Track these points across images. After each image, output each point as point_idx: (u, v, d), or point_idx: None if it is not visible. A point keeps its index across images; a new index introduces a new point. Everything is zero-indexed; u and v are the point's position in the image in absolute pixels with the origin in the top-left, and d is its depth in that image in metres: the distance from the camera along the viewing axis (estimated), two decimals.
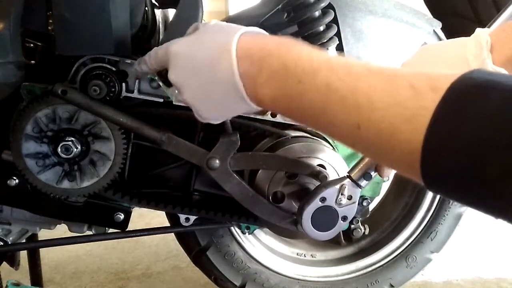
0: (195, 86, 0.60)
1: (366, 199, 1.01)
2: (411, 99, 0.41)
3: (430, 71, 0.43)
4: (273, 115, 0.92)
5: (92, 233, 1.01)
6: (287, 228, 0.87)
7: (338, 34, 0.93)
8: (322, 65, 0.49)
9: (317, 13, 0.88)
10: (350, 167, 0.79)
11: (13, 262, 1.06)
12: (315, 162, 0.87)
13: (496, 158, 0.34)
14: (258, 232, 1.16)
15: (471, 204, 0.39)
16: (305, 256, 1.22)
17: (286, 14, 0.92)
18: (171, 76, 0.63)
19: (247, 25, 0.96)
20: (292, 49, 0.53)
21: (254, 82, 0.54)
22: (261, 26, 0.96)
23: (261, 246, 1.16)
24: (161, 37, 1.09)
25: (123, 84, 0.84)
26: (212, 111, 0.62)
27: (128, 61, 0.84)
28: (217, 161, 0.82)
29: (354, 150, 0.50)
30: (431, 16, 1.12)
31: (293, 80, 0.51)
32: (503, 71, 0.56)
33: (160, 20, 1.08)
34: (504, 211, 0.37)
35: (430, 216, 1.17)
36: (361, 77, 0.46)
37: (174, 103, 0.87)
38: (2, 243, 0.96)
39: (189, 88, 0.61)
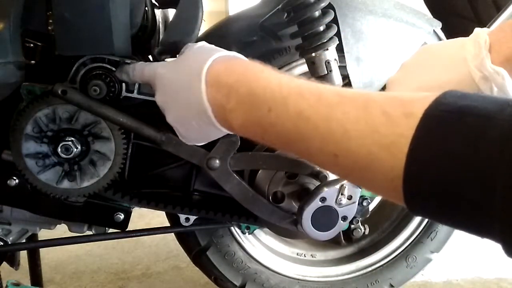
0: (175, 110, 0.63)
1: (366, 199, 1.01)
2: (386, 126, 0.41)
3: (402, 94, 0.43)
4: None
5: (92, 233, 1.01)
6: (287, 228, 0.87)
7: (338, 34, 0.93)
8: (292, 92, 0.48)
9: (317, 13, 0.87)
10: None
11: (13, 262, 1.06)
12: None
13: (472, 183, 0.35)
14: (258, 232, 1.16)
15: (453, 226, 0.40)
16: (305, 256, 1.22)
17: (286, 14, 0.92)
18: (157, 97, 0.66)
19: (247, 25, 0.97)
20: (260, 75, 0.53)
21: (222, 108, 0.55)
22: (261, 26, 0.97)
23: (261, 246, 1.16)
24: (161, 37, 1.09)
25: (123, 84, 0.84)
26: (191, 134, 0.64)
27: (128, 61, 0.84)
28: (217, 161, 0.82)
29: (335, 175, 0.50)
30: (431, 16, 1.12)
31: (262, 108, 0.50)
32: (502, 70, 0.57)
33: (160, 20, 1.08)
34: (479, 231, 0.38)
35: None
36: (334, 105, 0.45)
37: None
38: (2, 243, 0.95)
39: (171, 111, 0.64)
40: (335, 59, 0.90)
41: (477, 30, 0.61)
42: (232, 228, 1.08)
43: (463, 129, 0.36)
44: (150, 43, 1.02)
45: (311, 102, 0.46)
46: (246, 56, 0.97)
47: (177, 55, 0.71)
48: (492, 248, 1.67)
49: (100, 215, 0.95)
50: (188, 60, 0.63)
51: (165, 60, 0.88)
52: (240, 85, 0.53)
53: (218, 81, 0.56)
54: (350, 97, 0.45)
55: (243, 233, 1.06)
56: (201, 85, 0.56)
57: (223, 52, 0.61)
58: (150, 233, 1.04)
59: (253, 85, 0.52)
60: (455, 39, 0.65)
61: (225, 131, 0.59)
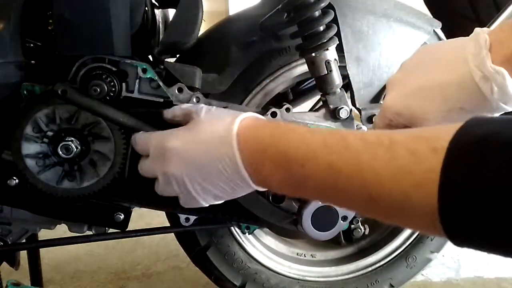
0: (198, 179, 0.63)
1: None
2: (414, 164, 0.42)
3: (425, 130, 0.45)
4: (273, 115, 0.92)
5: (92, 233, 1.01)
6: (287, 228, 0.87)
7: (338, 34, 0.93)
8: (318, 146, 0.50)
9: (317, 13, 0.88)
10: None
11: (13, 262, 1.06)
12: None
13: (509, 206, 0.35)
14: (258, 232, 1.16)
15: (504, 254, 0.41)
16: (305, 256, 1.22)
17: (286, 14, 0.92)
18: (170, 170, 0.65)
19: (247, 25, 0.97)
20: (287, 137, 0.55)
21: (259, 172, 0.57)
22: (261, 26, 0.97)
23: (261, 246, 1.16)
24: (161, 37, 1.09)
25: (123, 84, 0.84)
26: (218, 198, 0.67)
27: (128, 61, 0.84)
28: None
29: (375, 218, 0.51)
30: (431, 16, 1.12)
31: (296, 166, 0.52)
32: (502, 70, 0.56)
33: (160, 20, 1.08)
34: None
35: None
36: (361, 152, 0.46)
37: (174, 103, 0.87)
38: (2, 243, 0.95)
39: (192, 181, 0.64)
40: (335, 59, 0.91)
41: (477, 30, 0.61)
42: (232, 228, 1.08)
43: (491, 156, 0.37)
44: (150, 43, 1.02)
45: (339, 153, 0.48)
46: (246, 56, 0.98)
47: (186, 120, 0.71)
48: None
49: (100, 215, 0.95)
50: (206, 128, 0.64)
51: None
52: (272, 150, 0.55)
53: (251, 148, 0.58)
54: (375, 141, 0.46)
55: (243, 233, 1.06)
56: (235, 153, 0.58)
57: (243, 115, 0.62)
58: (150, 233, 1.04)
59: (284, 148, 0.54)
60: (455, 39, 0.65)
61: (260, 189, 0.61)
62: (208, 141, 0.61)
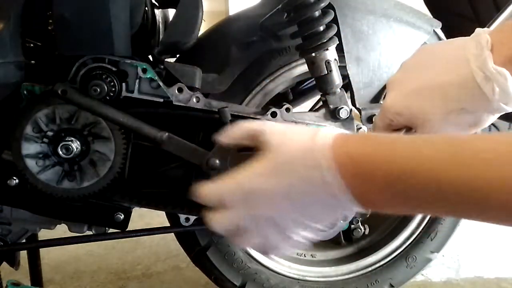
0: (293, 219, 0.53)
1: None
2: None
3: None
4: (273, 115, 0.92)
5: (92, 233, 1.01)
6: None
7: (338, 34, 0.93)
8: (444, 158, 0.44)
9: (317, 13, 0.88)
10: None
11: (13, 262, 1.06)
12: None
13: None
14: None
15: None
16: (305, 256, 1.22)
17: (286, 14, 0.92)
18: (258, 214, 0.54)
19: (247, 25, 0.96)
20: (395, 151, 0.47)
21: (367, 195, 0.50)
22: (261, 26, 0.97)
23: None
24: (161, 37, 1.09)
25: (123, 84, 0.84)
26: (308, 237, 0.56)
27: (128, 61, 0.84)
28: (217, 161, 0.82)
29: None
30: (431, 16, 1.12)
31: (419, 187, 0.45)
32: (504, 71, 0.56)
33: (160, 20, 1.08)
34: None
35: (430, 216, 1.17)
36: (492, 162, 0.42)
37: (174, 103, 0.87)
38: (2, 243, 0.96)
39: (286, 223, 0.54)
40: (335, 59, 0.91)
41: (478, 30, 0.61)
42: None
43: None
44: (150, 43, 1.02)
45: (470, 164, 0.43)
46: (246, 56, 0.98)
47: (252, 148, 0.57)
48: (492, 248, 1.68)
49: (100, 215, 0.95)
50: (287, 156, 0.52)
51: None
52: (381, 170, 0.48)
53: (354, 166, 0.49)
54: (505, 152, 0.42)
55: None
56: (335, 179, 0.49)
57: (320, 131, 0.52)
58: (150, 233, 1.04)
59: (398, 165, 0.47)
60: (456, 39, 0.65)
61: (362, 210, 0.53)
62: (298, 171, 0.51)
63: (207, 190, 0.59)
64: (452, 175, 0.43)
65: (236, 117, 0.89)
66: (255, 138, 0.58)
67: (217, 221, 0.58)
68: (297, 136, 0.53)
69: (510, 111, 0.60)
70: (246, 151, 0.87)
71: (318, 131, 0.53)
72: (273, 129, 0.56)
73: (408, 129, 0.69)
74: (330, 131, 0.54)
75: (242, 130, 0.61)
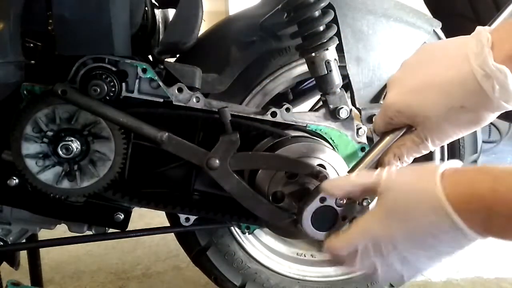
0: (418, 252, 0.57)
1: (366, 198, 1.01)
2: None
3: None
4: (273, 115, 0.92)
5: (92, 233, 1.01)
6: (287, 228, 0.87)
7: (338, 34, 0.93)
8: None
9: (317, 13, 0.88)
10: (350, 167, 0.79)
11: (13, 262, 1.06)
12: (315, 162, 0.87)
13: None
14: (258, 232, 1.16)
15: None
16: (305, 256, 1.22)
17: (286, 14, 0.92)
18: (391, 262, 0.59)
19: (247, 25, 0.95)
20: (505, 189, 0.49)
21: (486, 229, 0.52)
22: (261, 26, 0.97)
23: (261, 246, 1.16)
24: (161, 37, 1.09)
25: (123, 84, 0.84)
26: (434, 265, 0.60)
27: (128, 61, 0.84)
28: (217, 161, 0.82)
29: None
30: (431, 16, 1.12)
31: None
32: (504, 68, 0.56)
33: (160, 20, 1.08)
34: None
35: None
36: None
37: (174, 103, 0.87)
38: (2, 243, 0.96)
39: (411, 255, 0.58)
40: (335, 59, 0.91)
41: (479, 28, 0.61)
42: (232, 228, 1.08)
43: None
44: (150, 43, 1.02)
45: None
46: (246, 56, 0.98)
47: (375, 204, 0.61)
48: (492, 248, 1.67)
49: (100, 215, 0.95)
50: (406, 199, 0.56)
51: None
52: (499, 206, 0.49)
53: (468, 207, 0.51)
54: None
55: (243, 233, 1.06)
56: (452, 220, 0.52)
57: (437, 171, 0.54)
58: (150, 233, 1.04)
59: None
60: (456, 37, 0.65)
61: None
62: (413, 215, 0.55)
63: (334, 244, 0.63)
64: None
65: (236, 117, 0.89)
66: (372, 191, 0.62)
67: (353, 264, 0.62)
68: (414, 181, 0.56)
69: (510, 109, 0.60)
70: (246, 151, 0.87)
71: (435, 172, 0.54)
72: (387, 181, 0.59)
73: (409, 127, 0.69)
74: (445, 169, 0.55)
75: (353, 184, 0.65)
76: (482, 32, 0.59)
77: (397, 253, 0.58)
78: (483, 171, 0.53)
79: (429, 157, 1.13)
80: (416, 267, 0.59)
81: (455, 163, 0.57)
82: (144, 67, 0.84)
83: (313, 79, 0.95)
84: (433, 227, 0.54)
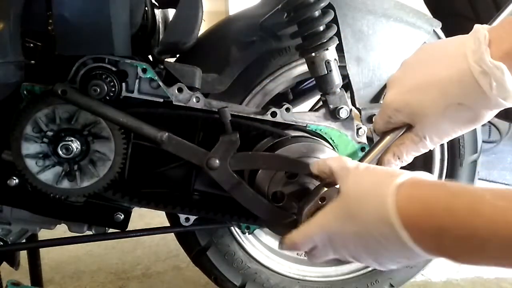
0: (367, 260, 0.59)
1: None
2: None
3: None
4: (273, 115, 0.92)
5: (92, 233, 1.01)
6: (287, 228, 0.87)
7: (338, 34, 0.93)
8: None
9: (317, 13, 0.88)
10: None
11: (13, 262, 1.06)
12: None
13: None
14: (258, 232, 1.16)
15: None
16: (305, 256, 1.22)
17: (286, 14, 0.92)
18: (340, 254, 0.61)
19: (247, 25, 0.95)
20: (469, 208, 0.47)
21: (436, 248, 0.51)
22: (261, 26, 0.97)
23: (261, 246, 1.16)
24: (161, 37, 1.09)
25: (123, 84, 0.84)
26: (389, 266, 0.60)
27: (128, 61, 0.84)
28: (217, 161, 0.82)
29: None
30: (431, 16, 1.12)
31: (499, 245, 0.45)
32: (501, 65, 0.56)
33: (160, 20, 1.08)
34: None
35: None
36: None
37: (174, 103, 0.87)
38: (2, 243, 0.96)
39: (362, 258, 0.59)
40: (335, 59, 0.91)
41: (477, 26, 0.61)
42: (232, 228, 1.08)
43: None
44: (150, 43, 1.02)
45: None
46: (246, 56, 0.98)
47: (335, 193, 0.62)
48: None
49: (100, 215, 0.95)
50: (358, 209, 0.56)
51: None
52: (451, 227, 0.48)
53: (419, 225, 0.50)
54: None
55: (243, 233, 1.06)
56: (400, 235, 0.51)
57: (395, 181, 0.54)
58: (150, 233, 1.04)
59: (472, 225, 0.46)
60: (456, 36, 0.65)
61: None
62: (366, 224, 0.55)
63: (296, 236, 0.65)
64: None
65: (236, 117, 0.89)
66: (334, 179, 0.65)
67: (313, 257, 0.66)
68: (374, 187, 0.56)
69: (508, 106, 0.60)
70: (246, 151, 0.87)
71: (394, 179, 0.54)
72: (351, 178, 0.60)
73: (409, 126, 0.69)
74: (406, 179, 0.55)
75: (325, 167, 0.67)
76: (480, 30, 0.59)
77: (348, 253, 0.59)
78: (441, 187, 0.52)
79: (429, 156, 1.13)
80: (359, 261, 0.60)
81: (423, 174, 0.56)
82: (144, 67, 0.84)
83: (313, 79, 0.95)
84: (382, 238, 0.54)
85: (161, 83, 0.85)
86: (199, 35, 0.97)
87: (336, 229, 0.59)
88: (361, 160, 0.76)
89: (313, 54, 0.89)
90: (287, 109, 0.92)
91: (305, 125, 0.94)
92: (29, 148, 0.83)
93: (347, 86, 0.98)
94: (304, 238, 0.64)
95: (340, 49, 0.94)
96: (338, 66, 0.92)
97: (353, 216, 0.57)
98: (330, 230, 0.60)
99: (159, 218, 1.65)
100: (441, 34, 1.04)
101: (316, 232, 0.62)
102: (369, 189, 0.56)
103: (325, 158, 0.69)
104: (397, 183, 0.53)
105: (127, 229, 0.97)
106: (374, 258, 0.58)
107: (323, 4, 0.88)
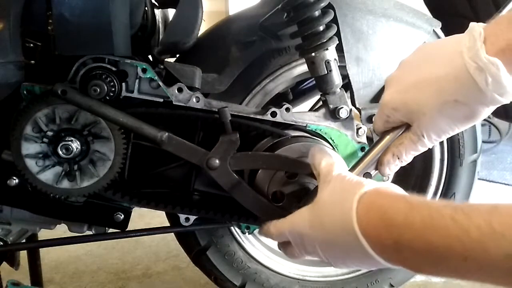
0: (333, 259, 0.61)
1: None
2: None
3: None
4: (273, 115, 0.92)
5: (92, 233, 1.01)
6: None
7: (338, 34, 0.93)
8: (485, 232, 0.43)
9: (316, 13, 0.88)
10: (350, 167, 0.79)
11: (13, 262, 1.06)
12: None
13: None
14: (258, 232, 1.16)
15: None
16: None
17: (286, 14, 0.92)
18: (311, 254, 0.64)
19: (247, 25, 0.95)
20: (429, 221, 0.47)
21: (396, 259, 0.52)
22: (261, 26, 0.97)
23: (261, 246, 1.16)
24: (161, 37, 1.09)
25: (123, 84, 0.84)
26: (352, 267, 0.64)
27: (128, 61, 0.84)
28: (217, 161, 0.82)
29: None
30: (431, 16, 1.12)
31: (455, 260, 0.45)
32: (496, 61, 0.56)
33: (160, 20, 1.09)
34: None
35: None
36: None
37: (174, 103, 0.87)
38: (2, 243, 0.96)
39: (332, 259, 0.62)
40: (335, 59, 0.91)
41: (472, 24, 0.61)
42: (232, 228, 1.08)
43: None
44: (150, 43, 1.03)
45: None
46: (246, 56, 0.98)
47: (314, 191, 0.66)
48: None
49: (100, 215, 0.95)
50: (326, 212, 0.59)
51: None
52: (409, 239, 0.48)
53: (379, 235, 0.52)
54: None
55: (243, 233, 1.06)
56: (361, 243, 0.53)
57: (358, 191, 0.56)
58: (150, 233, 1.04)
59: (429, 238, 0.47)
60: (453, 35, 0.65)
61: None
62: (332, 231, 0.58)
63: (271, 227, 0.71)
64: (495, 252, 0.42)
65: (236, 117, 0.89)
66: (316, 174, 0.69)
67: (289, 254, 0.70)
68: (343, 194, 0.58)
69: (504, 102, 0.60)
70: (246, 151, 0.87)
71: (360, 189, 0.57)
72: (327, 185, 0.63)
73: (408, 126, 0.69)
74: (371, 189, 0.57)
75: (315, 170, 0.71)
76: (475, 27, 0.60)
77: (319, 256, 0.62)
78: (402, 199, 0.53)
79: (429, 156, 1.13)
80: (333, 264, 0.62)
81: (390, 185, 0.58)
82: (144, 67, 0.84)
83: (313, 79, 0.95)
84: (346, 246, 0.56)
85: (161, 83, 0.86)
86: (199, 35, 0.97)
87: (306, 232, 0.62)
88: (360, 159, 0.76)
89: (313, 54, 0.89)
90: (287, 109, 0.92)
91: (305, 125, 0.94)
92: (29, 148, 0.83)
93: (347, 86, 0.98)
94: (277, 231, 0.69)
95: (340, 49, 0.94)
96: (338, 66, 0.92)
97: (322, 223, 0.60)
98: (301, 232, 0.63)
99: (159, 218, 1.65)
100: (441, 34, 1.04)
101: (287, 229, 0.66)
102: (338, 198, 0.59)
103: (321, 158, 0.71)
104: (361, 192, 0.56)
105: (127, 229, 0.97)
106: (343, 262, 0.60)
107: (323, 4, 0.88)
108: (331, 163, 0.68)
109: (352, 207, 0.55)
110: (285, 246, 0.70)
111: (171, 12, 1.10)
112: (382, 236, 0.51)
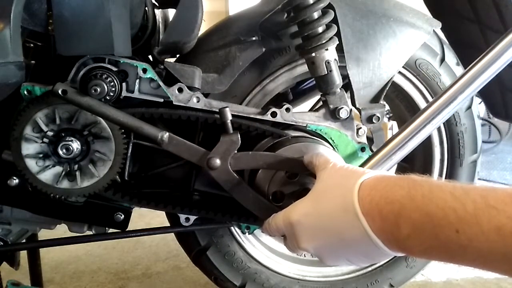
0: (333, 250, 0.60)
1: None
2: None
3: None
4: (273, 115, 0.92)
5: (92, 233, 1.01)
6: None
7: (338, 34, 0.93)
8: (479, 206, 0.44)
9: (316, 14, 0.88)
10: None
11: (13, 262, 1.06)
12: None
13: None
14: (258, 232, 1.16)
15: None
16: (305, 256, 1.22)
17: (286, 14, 0.92)
18: (302, 246, 0.63)
19: (247, 25, 0.96)
20: (427, 194, 0.49)
21: (393, 236, 0.52)
22: (261, 26, 0.97)
23: (261, 246, 1.16)
24: (161, 37, 1.09)
25: (124, 84, 0.84)
26: (344, 264, 0.63)
27: (128, 61, 0.84)
28: (217, 161, 0.82)
29: None
30: (431, 16, 1.12)
31: (448, 231, 0.46)
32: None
33: (160, 20, 1.08)
34: None
35: None
36: None
37: (174, 103, 0.87)
38: (2, 243, 0.96)
39: (328, 253, 0.61)
40: (335, 59, 0.91)
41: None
42: (232, 228, 1.08)
43: None
44: (150, 43, 1.02)
45: (508, 213, 0.42)
46: (246, 56, 0.98)
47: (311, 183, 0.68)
48: None
49: (100, 215, 0.95)
50: (327, 196, 0.60)
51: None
52: (409, 211, 0.49)
53: (380, 211, 0.52)
54: None
55: (243, 233, 1.06)
56: (359, 220, 0.54)
57: (367, 174, 0.57)
58: (150, 233, 1.04)
59: (427, 208, 0.48)
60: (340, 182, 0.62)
61: (397, 254, 0.55)
62: (330, 213, 0.58)
63: (269, 222, 0.72)
64: (487, 225, 0.43)
65: (236, 117, 0.89)
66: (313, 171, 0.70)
67: (287, 247, 0.70)
68: (343, 181, 0.59)
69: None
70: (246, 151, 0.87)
71: (361, 176, 0.57)
72: (326, 173, 0.64)
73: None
74: (372, 175, 0.58)
75: (310, 164, 0.72)
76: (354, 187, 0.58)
77: (311, 246, 0.62)
78: (405, 178, 0.54)
79: (429, 156, 1.13)
80: (325, 260, 0.63)
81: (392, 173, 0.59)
82: (144, 67, 0.84)
83: (313, 79, 0.95)
84: (343, 226, 0.56)
85: (161, 83, 0.86)
86: (199, 35, 0.97)
87: (299, 220, 0.62)
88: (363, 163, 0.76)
89: (313, 54, 0.89)
90: (287, 109, 0.92)
91: (305, 125, 0.94)
92: (29, 148, 0.83)
93: (347, 86, 0.98)
94: (274, 224, 0.69)
95: (340, 49, 0.94)
96: (338, 66, 0.92)
97: (317, 208, 0.60)
98: (292, 221, 0.63)
99: (159, 218, 1.65)
100: (441, 34, 1.04)
101: (281, 220, 0.67)
102: (338, 183, 0.60)
103: (317, 153, 0.72)
104: (364, 177, 0.57)
105: (127, 229, 0.97)
106: (334, 252, 0.60)
107: (323, 5, 0.88)
108: (327, 157, 0.69)
109: (354, 188, 0.56)
110: (284, 240, 0.71)
111: (171, 12, 1.10)
112: (383, 211, 0.52)
